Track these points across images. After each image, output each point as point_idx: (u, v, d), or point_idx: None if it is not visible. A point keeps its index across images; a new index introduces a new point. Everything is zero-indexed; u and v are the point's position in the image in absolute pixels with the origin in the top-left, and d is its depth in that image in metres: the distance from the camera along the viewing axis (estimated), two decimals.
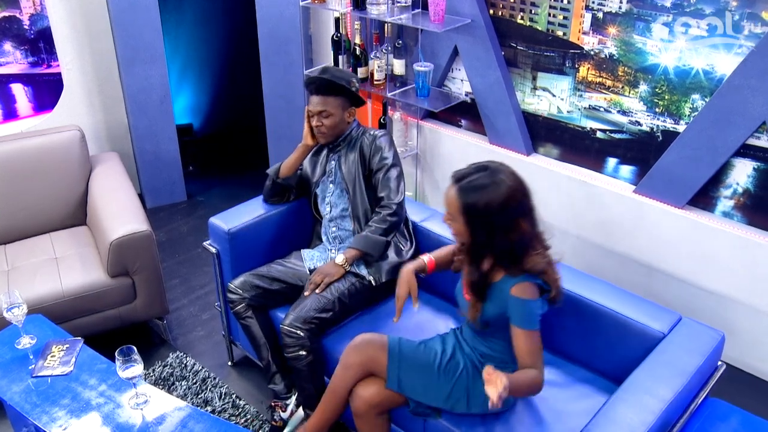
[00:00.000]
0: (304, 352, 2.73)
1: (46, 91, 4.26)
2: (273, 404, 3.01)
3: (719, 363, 2.47)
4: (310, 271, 2.99)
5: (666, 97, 3.06)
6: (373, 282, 2.89)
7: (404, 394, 2.43)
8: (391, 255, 2.94)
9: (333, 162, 2.99)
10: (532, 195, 2.18)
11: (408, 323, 2.91)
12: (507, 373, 2.09)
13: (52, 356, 2.53)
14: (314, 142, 2.97)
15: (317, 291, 2.80)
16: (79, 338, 2.64)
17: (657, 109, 3.11)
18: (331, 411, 2.57)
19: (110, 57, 4.41)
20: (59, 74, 4.25)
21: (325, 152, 3.04)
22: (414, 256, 3.00)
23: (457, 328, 2.57)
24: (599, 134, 3.37)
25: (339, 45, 3.98)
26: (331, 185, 3.00)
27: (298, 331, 2.70)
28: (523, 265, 2.17)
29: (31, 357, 2.54)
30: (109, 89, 4.51)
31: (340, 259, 2.86)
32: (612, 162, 3.39)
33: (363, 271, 2.90)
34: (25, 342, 2.59)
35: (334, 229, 3.01)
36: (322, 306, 2.76)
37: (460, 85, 3.88)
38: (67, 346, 2.58)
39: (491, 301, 2.26)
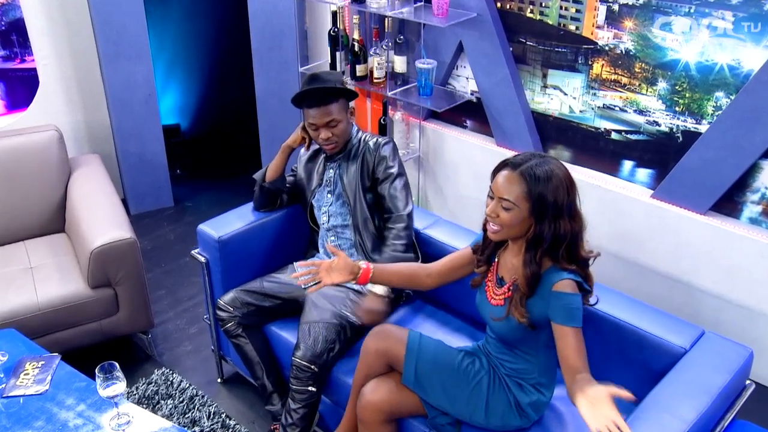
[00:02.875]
0: (314, 388, 2.73)
1: (20, 88, 4.23)
2: (273, 428, 3.00)
3: (747, 382, 2.44)
4: (303, 285, 2.95)
5: (687, 95, 3.04)
6: None
7: (420, 395, 2.41)
8: None
9: (331, 171, 2.98)
10: None
11: None
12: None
13: (25, 374, 2.50)
14: (299, 145, 2.99)
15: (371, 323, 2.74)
16: (56, 354, 2.62)
17: (677, 108, 3.09)
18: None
19: (91, 52, 4.39)
20: (34, 69, 4.22)
21: (321, 159, 3.03)
22: None
23: (479, 343, 2.55)
24: (614, 135, 3.35)
25: (336, 41, 3.97)
26: (329, 195, 2.99)
27: (313, 366, 2.69)
28: (577, 255, 2.21)
29: (2, 375, 2.51)
30: (90, 86, 4.49)
31: (381, 290, 2.81)
32: (628, 165, 3.37)
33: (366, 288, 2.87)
34: None
35: (332, 238, 3.00)
36: (334, 335, 2.74)
37: (465, 84, 3.86)
38: (43, 362, 2.56)
39: (537, 296, 2.23)
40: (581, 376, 2.10)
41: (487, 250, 2.39)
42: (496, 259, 2.39)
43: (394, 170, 2.90)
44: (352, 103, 2.94)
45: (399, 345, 2.45)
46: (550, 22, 3.35)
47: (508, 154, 3.62)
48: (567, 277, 2.18)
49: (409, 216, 2.87)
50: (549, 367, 2.36)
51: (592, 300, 2.31)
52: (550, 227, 2.15)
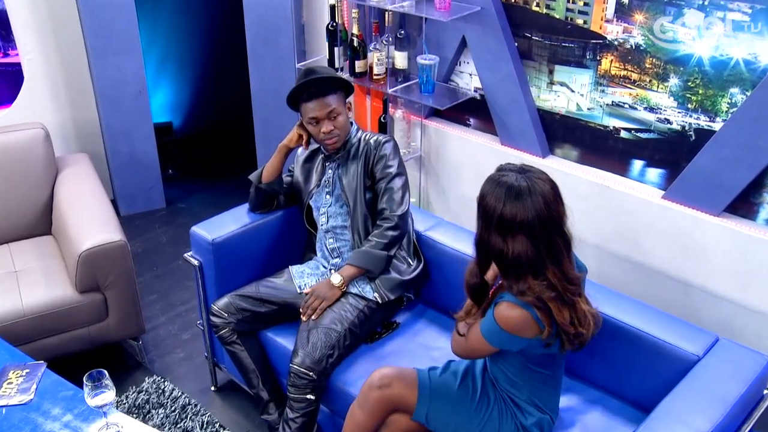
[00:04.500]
0: (312, 396, 2.72)
1: (3, 84, 4.23)
2: None
3: (765, 391, 2.43)
4: (299, 289, 2.95)
5: (700, 91, 3.02)
6: (379, 300, 2.86)
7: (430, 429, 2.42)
8: (398, 271, 2.93)
9: (330, 171, 2.98)
10: (559, 225, 2.19)
11: (411, 344, 2.90)
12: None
13: (8, 383, 2.49)
14: (297, 144, 2.99)
15: (313, 317, 2.78)
16: (42, 362, 2.61)
17: (689, 105, 3.07)
18: None
19: (78, 46, 4.38)
20: (18, 64, 4.21)
21: (320, 159, 3.03)
22: (422, 273, 2.98)
23: None
24: (623, 134, 3.33)
25: (334, 35, 3.95)
26: (327, 196, 2.99)
27: (311, 373, 2.68)
28: (520, 282, 2.16)
29: None
30: (78, 83, 4.48)
31: (336, 279, 2.84)
32: (638, 164, 3.35)
33: (368, 292, 2.87)
34: None
35: (331, 240, 2.99)
36: (334, 341, 2.74)
37: (468, 80, 3.84)
38: (27, 371, 2.54)
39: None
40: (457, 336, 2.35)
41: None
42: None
43: (393, 169, 2.90)
44: (350, 99, 2.94)
45: (408, 389, 2.41)
46: (557, 16, 3.33)
47: (513, 153, 3.65)
48: (515, 303, 2.16)
49: (400, 217, 2.87)
50: (541, 390, 2.36)
51: (547, 339, 2.21)
52: (490, 238, 2.15)
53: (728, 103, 2.95)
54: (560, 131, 3.56)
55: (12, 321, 3.06)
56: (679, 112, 3.11)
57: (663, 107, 3.15)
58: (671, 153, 3.21)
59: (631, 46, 3.14)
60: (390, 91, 3.85)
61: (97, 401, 2.19)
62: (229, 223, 3.08)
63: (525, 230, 2.10)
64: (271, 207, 3.13)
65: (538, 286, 2.13)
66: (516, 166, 2.20)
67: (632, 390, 2.57)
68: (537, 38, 3.45)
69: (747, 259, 3.06)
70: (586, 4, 3.21)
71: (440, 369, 2.50)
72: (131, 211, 4.74)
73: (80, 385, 2.25)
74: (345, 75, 3.91)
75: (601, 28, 3.21)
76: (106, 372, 2.21)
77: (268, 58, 4.29)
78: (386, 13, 3.74)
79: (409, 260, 2.98)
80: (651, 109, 3.19)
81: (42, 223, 3.62)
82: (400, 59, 3.86)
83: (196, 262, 3.07)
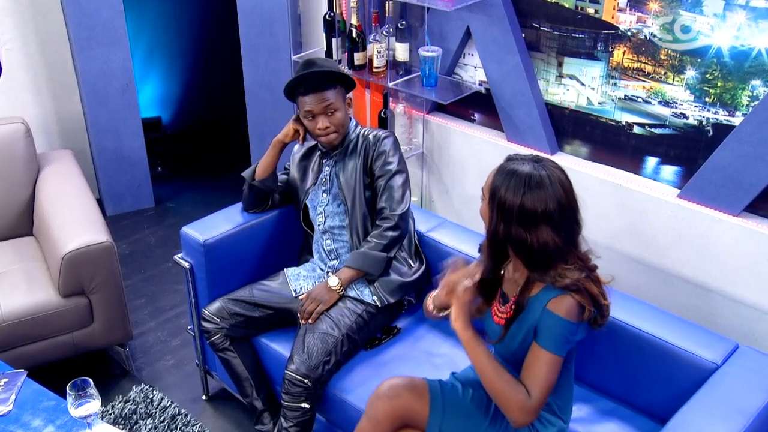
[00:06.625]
0: (307, 405, 2.70)
1: None
2: None
3: None
4: (294, 292, 2.94)
5: (718, 84, 3.01)
6: (378, 303, 2.86)
7: None
8: (398, 273, 2.93)
9: (327, 168, 2.98)
10: (576, 212, 2.23)
11: (413, 350, 2.89)
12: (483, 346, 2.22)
13: None
14: (293, 139, 2.99)
15: (310, 321, 2.78)
16: (22, 370, 2.60)
17: (707, 99, 3.06)
18: None
19: (61, 36, 4.38)
20: None
21: (317, 156, 3.03)
22: (424, 275, 2.97)
23: None
24: (637, 129, 3.32)
25: (332, 26, 3.95)
26: (324, 195, 2.99)
27: (306, 380, 2.67)
28: (551, 271, 2.18)
29: None
30: (60, 75, 4.48)
31: (333, 282, 2.84)
32: (652, 162, 3.34)
33: (366, 296, 2.87)
34: None
35: (328, 241, 2.99)
36: (330, 348, 2.73)
37: (472, 73, 3.84)
38: (6, 380, 2.53)
39: (525, 320, 2.22)
40: (519, 397, 2.16)
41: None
42: (502, 272, 2.38)
43: (393, 166, 2.90)
44: (350, 94, 2.93)
45: (419, 400, 2.38)
46: (567, 5, 3.32)
47: (520, 150, 3.63)
48: (565, 294, 2.16)
49: (400, 217, 2.87)
50: (563, 390, 2.34)
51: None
52: (510, 231, 2.15)
53: (749, 96, 2.93)
54: (570, 127, 3.55)
55: None
56: (696, 106, 3.10)
57: (679, 101, 3.14)
58: (687, 149, 3.19)
59: (645, 36, 3.13)
60: (390, 84, 3.84)
61: (81, 412, 2.19)
62: (222, 223, 3.08)
63: (547, 220, 2.12)
64: (265, 206, 3.12)
65: (569, 271, 2.16)
66: (528, 156, 2.22)
67: (647, 399, 2.57)
68: (545, 29, 3.44)
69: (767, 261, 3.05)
70: None
71: (449, 380, 2.48)
72: (118, 210, 4.75)
73: (63, 394, 2.25)
74: (344, 68, 3.90)
75: (613, 17, 3.19)
76: (90, 381, 2.20)
77: (263, 49, 4.28)
78: (386, 2, 3.73)
79: (410, 261, 2.97)
80: (666, 103, 3.18)
81: (23, 223, 3.62)
82: (401, 51, 3.84)
83: (186, 265, 3.07)
